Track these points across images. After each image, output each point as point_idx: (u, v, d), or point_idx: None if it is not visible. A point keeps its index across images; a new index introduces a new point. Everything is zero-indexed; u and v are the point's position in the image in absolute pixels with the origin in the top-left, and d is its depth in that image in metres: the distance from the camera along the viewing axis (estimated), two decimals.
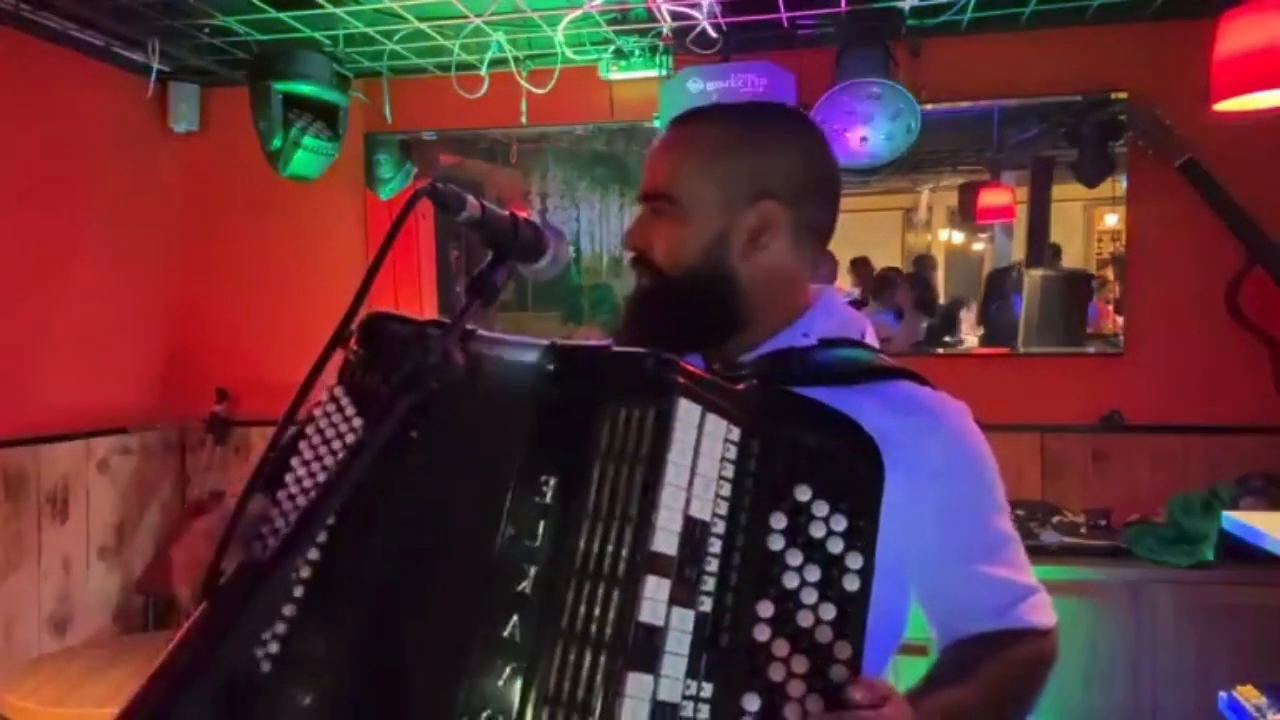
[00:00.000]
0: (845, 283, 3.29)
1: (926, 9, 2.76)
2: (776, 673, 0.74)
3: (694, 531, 0.74)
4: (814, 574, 0.76)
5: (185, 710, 0.52)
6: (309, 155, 3.06)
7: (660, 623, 0.72)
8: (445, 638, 0.76)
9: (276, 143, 3.00)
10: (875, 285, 3.29)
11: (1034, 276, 3.11)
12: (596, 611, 0.71)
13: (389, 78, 3.27)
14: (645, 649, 0.71)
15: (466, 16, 2.77)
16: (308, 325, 3.47)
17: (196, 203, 3.50)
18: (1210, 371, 2.84)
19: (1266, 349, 2.74)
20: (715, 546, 0.75)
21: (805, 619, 0.75)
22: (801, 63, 2.92)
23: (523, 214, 0.90)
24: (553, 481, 0.75)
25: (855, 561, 0.76)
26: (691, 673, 0.73)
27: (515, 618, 0.73)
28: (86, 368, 3.10)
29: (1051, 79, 2.93)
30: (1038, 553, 2.56)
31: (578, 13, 2.73)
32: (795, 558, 0.76)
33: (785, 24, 2.87)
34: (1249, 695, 1.96)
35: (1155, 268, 2.89)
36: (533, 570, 0.74)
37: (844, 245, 3.36)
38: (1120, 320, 2.95)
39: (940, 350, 3.16)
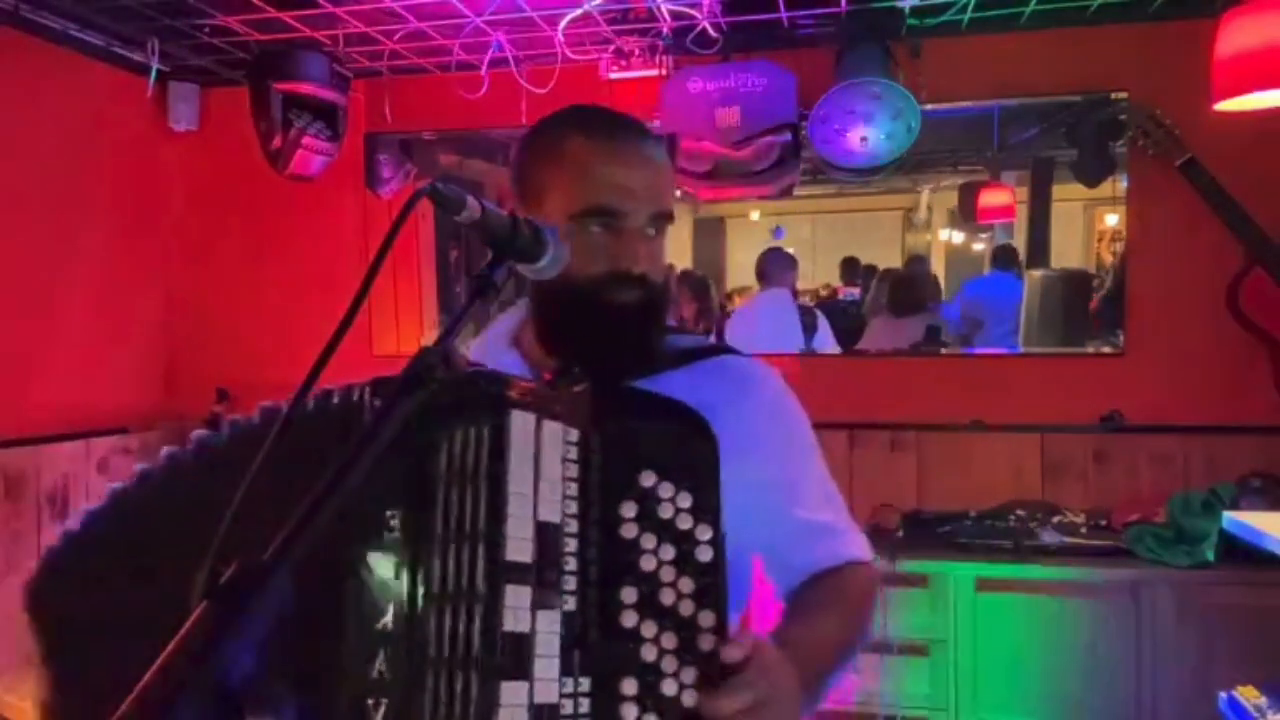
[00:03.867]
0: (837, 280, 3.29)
1: (926, 9, 2.76)
2: (649, 653, 0.76)
3: (547, 535, 0.77)
4: (669, 553, 0.78)
5: (185, 712, 0.52)
6: (309, 155, 3.06)
7: (526, 629, 0.74)
8: (314, 687, 0.74)
9: (276, 143, 3.00)
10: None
11: (1034, 276, 3.11)
12: (461, 631, 0.73)
13: (389, 77, 3.27)
14: (515, 658, 0.73)
15: (466, 16, 2.77)
16: (308, 325, 3.49)
17: (196, 203, 3.50)
18: (1210, 371, 2.84)
19: (1266, 349, 2.74)
20: (571, 545, 0.78)
21: (668, 597, 0.78)
22: (801, 63, 2.92)
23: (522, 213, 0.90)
24: (399, 516, 0.75)
25: (705, 534, 0.79)
26: (566, 670, 0.75)
27: (381, 655, 0.73)
28: (86, 368, 3.10)
29: (1051, 79, 2.93)
30: (1038, 553, 2.56)
31: (578, 12, 2.73)
32: (650, 541, 0.79)
33: (785, 24, 2.87)
34: (1249, 695, 1.96)
35: (1155, 268, 2.89)
36: (391, 606, 0.74)
37: (844, 245, 3.36)
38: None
39: (940, 350, 3.16)
